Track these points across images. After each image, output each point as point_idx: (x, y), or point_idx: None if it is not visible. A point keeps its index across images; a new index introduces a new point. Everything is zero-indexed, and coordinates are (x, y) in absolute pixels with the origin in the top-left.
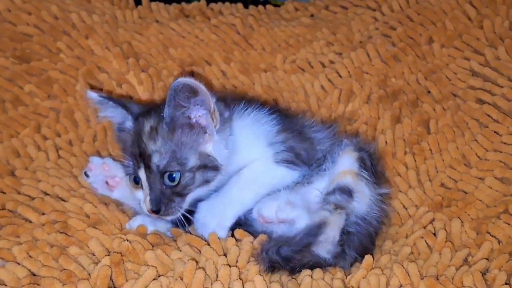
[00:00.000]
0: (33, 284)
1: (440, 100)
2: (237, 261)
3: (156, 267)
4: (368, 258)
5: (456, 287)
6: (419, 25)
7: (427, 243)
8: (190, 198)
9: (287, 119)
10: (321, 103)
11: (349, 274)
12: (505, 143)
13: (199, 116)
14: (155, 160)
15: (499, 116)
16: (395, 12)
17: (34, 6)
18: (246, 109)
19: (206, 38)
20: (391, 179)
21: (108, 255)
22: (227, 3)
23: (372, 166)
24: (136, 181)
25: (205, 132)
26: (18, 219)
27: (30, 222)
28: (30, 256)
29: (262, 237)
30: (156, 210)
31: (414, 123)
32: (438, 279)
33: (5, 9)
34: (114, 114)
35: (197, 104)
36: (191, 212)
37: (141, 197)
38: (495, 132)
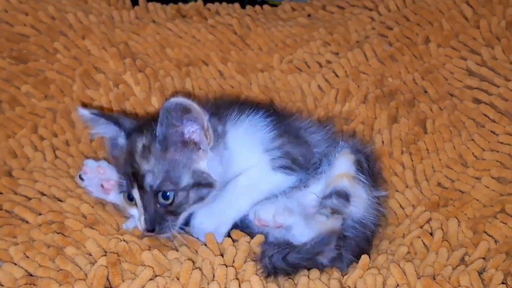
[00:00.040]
0: (30, 284)
1: (437, 99)
2: (233, 261)
3: (152, 267)
4: (364, 258)
5: (452, 287)
6: (416, 25)
7: (424, 243)
8: (184, 216)
9: (283, 122)
10: (318, 103)
11: (345, 274)
12: (501, 143)
13: (192, 132)
14: (149, 180)
15: (496, 116)
16: (392, 12)
17: (30, 7)
18: (240, 116)
19: (203, 38)
20: (388, 178)
21: (105, 255)
22: (224, 3)
23: (369, 169)
24: (130, 199)
25: (199, 149)
26: (15, 220)
27: (27, 222)
28: (27, 257)
29: (259, 238)
30: (151, 229)
31: (411, 122)
32: (434, 279)
33: (2, 10)
34: (106, 131)
35: (190, 120)
36: (186, 222)
37: (136, 214)
38: (491, 131)
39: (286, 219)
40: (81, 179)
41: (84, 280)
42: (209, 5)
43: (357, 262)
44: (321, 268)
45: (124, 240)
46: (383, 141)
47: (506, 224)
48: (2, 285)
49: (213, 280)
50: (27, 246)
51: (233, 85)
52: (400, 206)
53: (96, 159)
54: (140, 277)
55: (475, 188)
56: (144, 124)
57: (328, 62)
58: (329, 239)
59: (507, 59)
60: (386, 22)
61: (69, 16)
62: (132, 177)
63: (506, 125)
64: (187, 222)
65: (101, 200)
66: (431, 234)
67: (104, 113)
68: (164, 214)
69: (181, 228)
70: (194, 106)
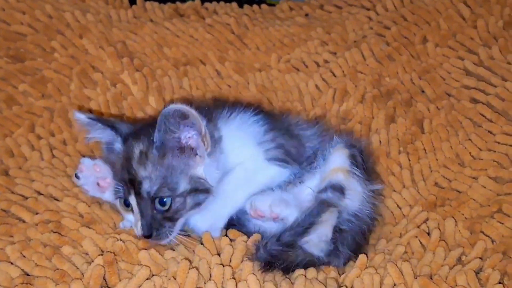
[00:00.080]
0: (26, 284)
1: (434, 99)
2: (230, 261)
3: (149, 267)
4: (362, 257)
5: (449, 287)
6: (413, 25)
7: (421, 243)
8: (181, 221)
9: (273, 118)
10: (315, 102)
11: (343, 273)
12: (498, 143)
13: (189, 137)
14: (146, 186)
15: (493, 116)
16: (389, 11)
17: (28, 5)
18: (231, 114)
19: (200, 37)
20: (385, 178)
21: (102, 254)
22: (222, 3)
23: (364, 163)
24: (127, 205)
25: (196, 154)
26: (11, 219)
27: (24, 221)
28: (24, 256)
29: (256, 237)
30: (148, 235)
31: (408, 122)
32: (431, 279)
33: None
34: (102, 135)
35: (187, 126)
36: None
37: (132, 220)
38: (488, 131)
39: (282, 210)
40: (77, 177)
41: (81, 280)
42: (207, 4)
43: (354, 257)
44: (318, 263)
45: (121, 240)
46: (380, 141)
47: (503, 224)
48: None
49: (210, 279)
50: (23, 245)
51: (230, 85)
52: (397, 206)
53: (93, 158)
54: (137, 276)
55: (472, 188)
56: (141, 129)
57: (326, 61)
58: (318, 210)
59: (504, 59)
60: (384, 22)
61: (66, 15)
62: (129, 183)
63: (503, 124)
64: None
65: (98, 199)
66: (428, 234)
67: (101, 118)
68: (161, 220)
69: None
70: (192, 112)
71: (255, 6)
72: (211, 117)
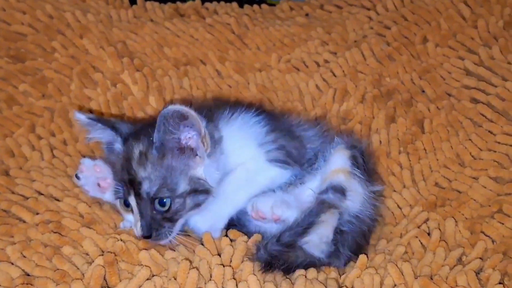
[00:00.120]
0: (27, 284)
1: (435, 99)
2: (231, 261)
3: (149, 267)
4: (362, 257)
5: (450, 287)
6: (414, 25)
7: (421, 243)
8: (181, 222)
9: (275, 119)
10: (315, 102)
11: (343, 274)
12: (499, 143)
13: (189, 138)
14: (145, 187)
15: (493, 116)
16: (390, 11)
17: (28, 5)
18: (233, 114)
19: (201, 37)
20: (385, 178)
21: (102, 255)
22: (222, 3)
23: (365, 164)
24: (127, 205)
25: (196, 155)
26: (12, 219)
27: (24, 222)
28: (24, 256)
29: (256, 237)
30: (148, 235)
31: (409, 122)
32: (432, 279)
33: (0, 8)
34: (102, 136)
35: (187, 127)
36: None
37: (132, 220)
38: (489, 131)
39: (283, 211)
40: (78, 178)
41: (81, 280)
42: (207, 4)
43: (354, 258)
44: (319, 264)
45: (121, 240)
46: (380, 141)
47: (503, 224)
48: None
49: (210, 280)
50: (24, 245)
51: (231, 85)
52: (398, 206)
53: (93, 158)
54: (137, 276)
55: (472, 188)
56: (141, 130)
57: (326, 61)
58: (318, 210)
59: (505, 59)
60: (384, 22)
61: (67, 15)
62: (129, 183)
63: (504, 125)
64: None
65: (98, 200)
66: (428, 234)
67: (101, 118)
68: (160, 221)
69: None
70: (192, 113)
71: (255, 6)
72: (211, 118)
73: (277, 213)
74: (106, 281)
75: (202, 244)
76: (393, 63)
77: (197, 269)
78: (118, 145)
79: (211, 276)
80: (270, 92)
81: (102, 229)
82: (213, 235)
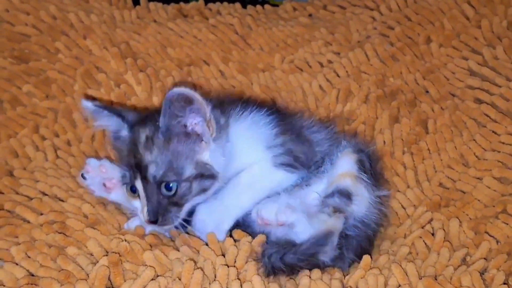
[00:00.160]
0: (31, 284)
1: (438, 99)
2: (235, 261)
3: (154, 267)
4: (366, 258)
5: (454, 287)
6: (417, 25)
7: (425, 243)
8: (187, 207)
9: (285, 120)
10: (319, 103)
11: (347, 275)
12: (503, 143)
13: (195, 123)
14: (152, 170)
15: (497, 116)
16: (393, 11)
17: (32, 6)
18: (244, 112)
19: (204, 38)
20: (389, 179)
21: (106, 255)
22: (225, 3)
23: (371, 168)
24: (133, 191)
25: (201, 140)
26: (16, 220)
27: (28, 222)
28: (28, 257)
29: (260, 238)
30: (154, 220)
31: (412, 122)
32: (436, 279)
33: (3, 9)
34: (109, 123)
35: (193, 112)
36: (188, 221)
37: (138, 206)
38: (493, 131)
39: (288, 216)
40: (83, 178)
41: (86, 280)
42: (210, 4)
43: (358, 262)
44: (323, 267)
45: (125, 240)
46: (384, 141)
47: (507, 224)
48: (4, 285)
49: (214, 280)
50: (28, 246)
51: (234, 85)
52: (402, 206)
53: (98, 158)
54: (142, 277)
55: (476, 188)
56: (147, 116)
57: (330, 62)
58: (326, 240)
59: (509, 59)
60: (388, 22)
61: (70, 16)
62: (135, 168)
63: (508, 125)
64: (189, 221)
65: (103, 200)
66: (432, 234)
67: (107, 106)
68: (167, 205)
69: (184, 226)
70: (197, 96)
71: (258, 7)
72: (219, 105)
73: (281, 219)
74: (110, 282)
75: (207, 245)
76: (397, 64)
77: (202, 270)
78: (125, 132)
79: (215, 277)
80: (273, 93)
81: (107, 229)
82: (218, 237)
